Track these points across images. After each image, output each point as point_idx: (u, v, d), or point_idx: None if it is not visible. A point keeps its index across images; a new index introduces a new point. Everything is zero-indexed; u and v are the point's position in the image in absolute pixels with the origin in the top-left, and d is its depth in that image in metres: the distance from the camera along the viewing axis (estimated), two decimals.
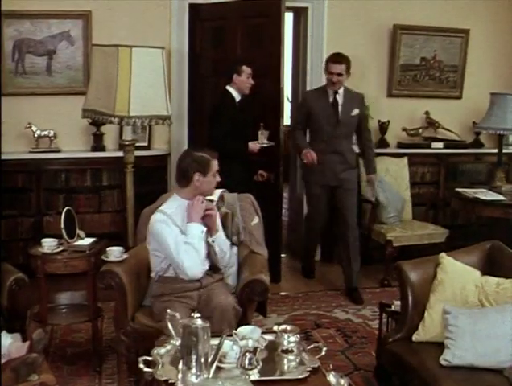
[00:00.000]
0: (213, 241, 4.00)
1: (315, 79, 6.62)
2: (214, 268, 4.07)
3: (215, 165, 4.00)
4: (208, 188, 4.02)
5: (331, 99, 5.83)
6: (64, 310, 4.56)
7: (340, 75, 5.69)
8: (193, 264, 3.85)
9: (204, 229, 3.92)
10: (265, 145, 5.56)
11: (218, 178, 4.05)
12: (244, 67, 5.53)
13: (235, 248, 4.35)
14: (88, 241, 4.50)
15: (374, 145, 6.48)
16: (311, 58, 6.71)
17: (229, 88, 5.59)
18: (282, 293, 5.99)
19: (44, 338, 3.40)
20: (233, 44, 6.08)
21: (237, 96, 5.60)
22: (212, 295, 3.87)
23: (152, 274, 4.07)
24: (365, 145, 6.09)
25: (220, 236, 4.07)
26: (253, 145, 5.52)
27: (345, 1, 6.69)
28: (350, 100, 5.86)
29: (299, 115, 6.16)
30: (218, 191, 4.41)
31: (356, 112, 5.85)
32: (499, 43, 7.23)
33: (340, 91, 5.81)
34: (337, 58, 5.72)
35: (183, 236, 3.87)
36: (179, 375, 2.91)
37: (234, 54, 6.04)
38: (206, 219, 3.99)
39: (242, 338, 3.07)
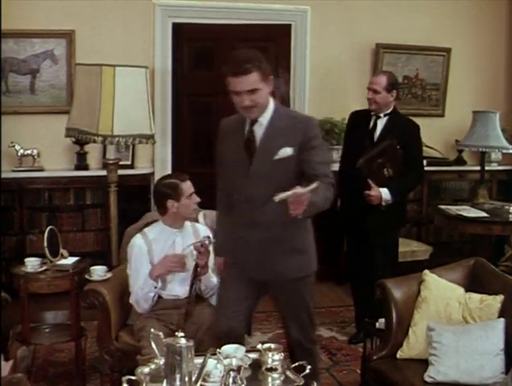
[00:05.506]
0: (199, 280, 3.96)
1: (298, 98, 6.65)
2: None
3: (187, 187, 3.96)
4: (186, 212, 3.99)
5: (246, 132, 3.40)
6: (46, 330, 4.53)
7: (253, 92, 3.19)
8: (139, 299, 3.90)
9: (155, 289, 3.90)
10: None
11: (196, 199, 4.00)
12: None
13: None
14: (71, 260, 4.48)
15: None
16: (294, 76, 6.71)
17: None
18: (266, 312, 5.96)
19: (28, 356, 3.38)
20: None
21: None
22: (202, 318, 3.86)
23: (131, 300, 4.00)
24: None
25: (208, 276, 3.99)
26: None
27: (328, 19, 6.73)
28: (280, 131, 3.32)
29: (217, 164, 3.66)
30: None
31: (287, 152, 3.28)
32: (481, 61, 7.29)
33: (265, 117, 3.33)
34: (240, 65, 3.17)
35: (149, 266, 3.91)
36: None
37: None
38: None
39: (226, 357, 3.05)
